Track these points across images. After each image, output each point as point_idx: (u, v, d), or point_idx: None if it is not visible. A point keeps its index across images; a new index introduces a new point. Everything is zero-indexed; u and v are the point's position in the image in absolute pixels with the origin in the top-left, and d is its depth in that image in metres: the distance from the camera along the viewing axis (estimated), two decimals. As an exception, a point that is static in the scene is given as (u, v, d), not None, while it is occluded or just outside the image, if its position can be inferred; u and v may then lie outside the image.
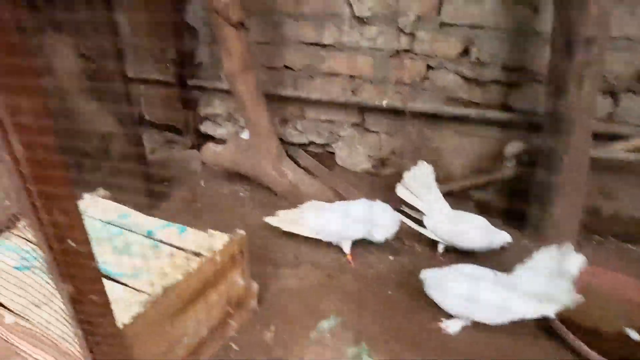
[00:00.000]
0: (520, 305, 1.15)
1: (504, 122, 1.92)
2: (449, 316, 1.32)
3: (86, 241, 0.57)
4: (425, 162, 1.79)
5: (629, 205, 1.85)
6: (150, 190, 1.99)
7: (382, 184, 2.37)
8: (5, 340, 0.93)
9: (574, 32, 1.23)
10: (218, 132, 2.90)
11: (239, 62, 1.73)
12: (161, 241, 1.13)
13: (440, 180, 2.10)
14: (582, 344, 1.13)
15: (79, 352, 0.73)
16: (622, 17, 1.60)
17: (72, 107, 1.45)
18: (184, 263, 1.02)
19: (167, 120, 3.02)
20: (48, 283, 0.91)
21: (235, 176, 2.31)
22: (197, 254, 1.07)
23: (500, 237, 1.58)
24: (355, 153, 2.47)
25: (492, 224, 1.64)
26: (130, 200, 1.60)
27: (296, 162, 2.46)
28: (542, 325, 1.26)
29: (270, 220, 1.80)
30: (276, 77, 2.48)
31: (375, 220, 1.64)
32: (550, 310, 1.14)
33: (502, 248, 1.63)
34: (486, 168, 2.06)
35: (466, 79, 1.99)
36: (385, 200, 1.76)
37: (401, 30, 2.02)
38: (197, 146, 2.77)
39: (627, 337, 1.22)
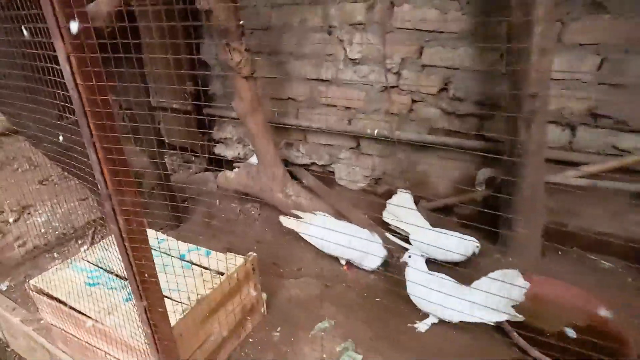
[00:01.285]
0: (473, 312, 1.44)
1: (479, 149, 2.21)
2: (423, 317, 1.62)
3: (155, 275, 0.90)
4: (403, 190, 2.09)
5: (591, 222, 2.11)
6: (174, 212, 2.33)
7: (376, 200, 2.67)
8: (86, 342, 1.26)
9: (520, 89, 1.52)
10: (230, 153, 3.25)
11: (249, 105, 2.06)
12: (192, 262, 1.46)
13: (427, 198, 2.42)
14: (525, 341, 1.41)
15: (144, 346, 1.06)
16: (572, 62, 1.89)
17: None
18: (210, 280, 1.35)
19: (184, 144, 3.37)
20: (113, 297, 1.25)
21: (246, 196, 2.64)
22: (220, 273, 1.39)
23: (470, 245, 1.86)
24: (352, 173, 2.78)
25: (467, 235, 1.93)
26: (158, 221, 1.94)
27: (300, 181, 2.79)
28: (497, 325, 1.56)
29: (284, 221, 2.12)
30: (282, 107, 2.81)
31: (368, 249, 1.91)
32: (493, 319, 1.43)
33: (475, 255, 1.91)
34: (466, 188, 2.35)
35: (446, 112, 2.28)
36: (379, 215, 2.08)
37: (388, 70, 2.32)
38: (212, 166, 3.12)
39: (566, 335, 1.51)
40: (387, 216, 2.07)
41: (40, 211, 2.55)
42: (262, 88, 2.80)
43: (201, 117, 3.06)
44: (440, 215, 2.41)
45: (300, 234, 2.10)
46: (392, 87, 2.36)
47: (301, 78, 2.65)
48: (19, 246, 2.20)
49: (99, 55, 0.66)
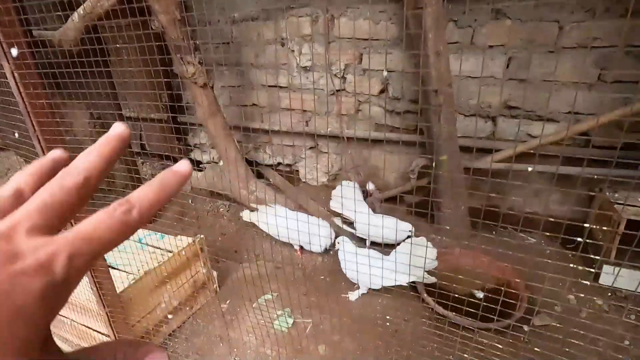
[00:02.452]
0: (391, 277, 1.68)
1: (416, 142, 2.46)
2: (355, 289, 1.86)
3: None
4: (348, 181, 2.34)
5: (519, 202, 2.35)
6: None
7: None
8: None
9: (426, 86, 1.78)
10: (204, 157, 3.51)
11: (207, 110, 2.33)
12: (146, 244, 1.71)
13: (381, 189, 2.66)
14: (431, 300, 1.64)
15: (96, 307, 1.30)
16: (487, 62, 2.15)
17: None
18: (160, 257, 1.59)
19: (163, 150, 3.64)
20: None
21: (216, 195, 2.89)
22: (169, 252, 1.64)
23: (405, 228, 2.10)
24: (314, 170, 3.03)
25: (403, 219, 2.16)
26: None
27: (268, 180, 3.05)
28: (414, 289, 1.79)
29: (244, 215, 2.34)
30: (247, 113, 3.08)
31: (315, 233, 2.16)
32: (406, 280, 1.67)
33: (411, 236, 2.14)
34: (409, 178, 2.60)
35: (387, 110, 2.54)
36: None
37: (335, 75, 2.59)
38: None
39: (474, 296, 1.74)
40: (332, 205, 2.32)
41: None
42: (229, 96, 3.08)
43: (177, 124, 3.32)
44: (392, 204, 2.66)
45: (258, 225, 2.34)
46: (339, 90, 2.63)
47: (262, 85, 2.92)
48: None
49: (34, 71, 0.93)
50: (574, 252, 2.04)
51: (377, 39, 2.38)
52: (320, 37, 2.54)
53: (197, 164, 3.48)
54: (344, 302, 1.83)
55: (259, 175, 3.10)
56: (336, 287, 1.93)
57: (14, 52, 0.89)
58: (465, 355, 1.32)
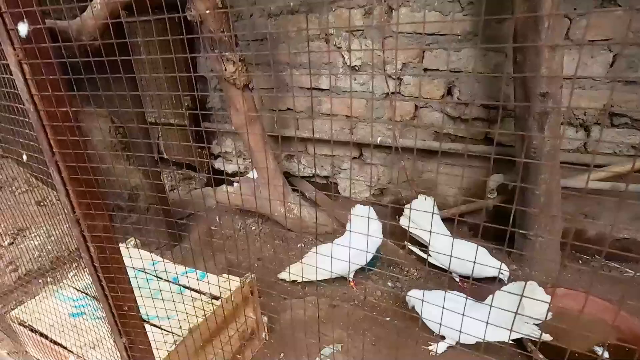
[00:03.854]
0: (489, 331, 1.31)
1: (488, 154, 2.10)
2: (437, 339, 1.50)
3: (135, 307, 0.80)
4: (425, 195, 1.97)
5: (609, 227, 1.98)
6: (172, 230, 2.24)
7: (381, 211, 2.56)
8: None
9: (530, 88, 1.42)
10: (229, 167, 3.17)
11: (245, 117, 1.98)
12: (185, 286, 1.36)
13: (437, 206, 2.30)
14: (541, 355, 1.28)
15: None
16: (585, 61, 1.79)
17: (108, 167, 1.72)
18: (205, 306, 1.24)
19: (184, 159, 3.31)
20: (98, 328, 1.15)
21: (247, 211, 2.55)
22: (215, 297, 1.29)
23: (493, 265, 1.71)
24: (355, 183, 2.68)
25: (487, 249, 1.78)
26: (155, 240, 1.85)
27: (302, 194, 2.70)
28: (518, 345, 1.42)
29: (284, 276, 1.91)
30: (281, 118, 2.73)
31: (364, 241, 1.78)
32: (510, 337, 1.30)
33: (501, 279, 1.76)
34: (476, 195, 2.23)
35: (451, 116, 2.19)
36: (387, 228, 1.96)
37: (389, 76, 2.24)
38: (212, 181, 3.04)
39: (597, 355, 1.37)
40: (404, 222, 1.94)
41: (35, 234, 2.47)
42: (261, 100, 2.73)
43: (199, 129, 2.99)
44: (450, 224, 2.30)
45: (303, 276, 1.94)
46: (394, 93, 2.28)
47: (299, 88, 2.58)
48: (11, 271, 2.11)
49: (54, 61, 0.58)
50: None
51: (445, 34, 2.03)
52: (374, 32, 2.19)
53: (218, 174, 3.14)
54: (426, 357, 1.46)
55: (292, 189, 2.75)
56: (411, 335, 1.57)
57: (23, 29, 0.54)
58: None
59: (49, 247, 2.31)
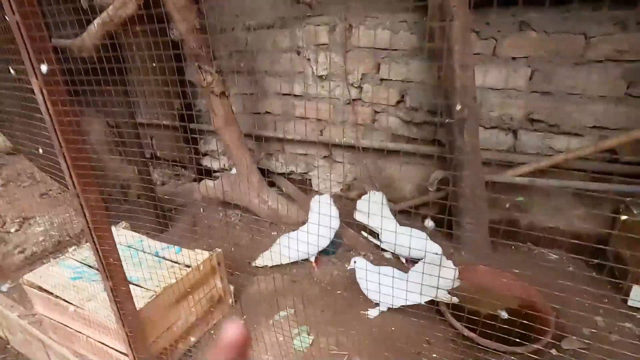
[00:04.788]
0: (411, 295, 1.63)
1: (432, 154, 2.42)
2: (374, 306, 1.81)
3: (118, 259, 1.11)
4: (374, 191, 2.28)
5: (540, 217, 2.30)
6: (160, 219, 2.56)
7: (349, 204, 2.88)
8: (71, 328, 1.47)
9: (450, 99, 1.74)
10: (215, 165, 3.48)
11: (222, 120, 2.30)
12: (164, 258, 1.67)
13: (395, 200, 2.61)
14: (456, 321, 1.59)
15: (115, 326, 1.26)
16: (510, 74, 2.10)
17: (103, 163, 2.04)
18: (178, 272, 1.55)
19: (174, 157, 3.63)
20: (92, 287, 1.46)
21: (228, 204, 2.86)
22: (187, 266, 1.60)
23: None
24: (326, 179, 2.99)
25: (428, 235, 2.09)
26: (145, 227, 2.16)
27: (280, 189, 3.01)
28: (436, 309, 1.74)
29: (258, 262, 2.20)
30: (260, 121, 3.05)
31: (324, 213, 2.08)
32: (425, 299, 1.62)
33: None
34: (427, 190, 2.55)
35: (404, 120, 2.50)
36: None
37: (351, 85, 2.56)
38: (199, 178, 3.35)
39: (498, 316, 1.68)
40: (357, 216, 2.27)
41: (39, 222, 2.79)
42: (242, 104, 3.05)
43: (188, 131, 3.30)
44: (406, 215, 2.61)
45: (272, 260, 2.23)
46: (356, 99, 2.59)
47: (276, 94, 2.89)
48: (18, 252, 2.42)
49: (64, 88, 0.90)
50: (596, 272, 1.98)
51: (396, 49, 2.34)
52: (337, 46, 2.51)
53: (209, 174, 3.46)
54: (363, 320, 1.78)
55: (271, 184, 3.06)
56: (355, 305, 1.88)
57: (44, 68, 0.86)
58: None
59: (52, 232, 2.62)
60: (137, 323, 1.28)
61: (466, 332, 1.57)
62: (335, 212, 2.23)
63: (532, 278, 1.82)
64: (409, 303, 1.66)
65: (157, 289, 1.44)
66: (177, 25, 1.89)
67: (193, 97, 3.38)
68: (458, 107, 1.70)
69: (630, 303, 1.74)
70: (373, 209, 2.25)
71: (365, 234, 2.36)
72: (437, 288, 1.63)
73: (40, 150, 1.01)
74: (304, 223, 2.68)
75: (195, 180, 3.37)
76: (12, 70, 1.00)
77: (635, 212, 1.83)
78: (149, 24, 2.10)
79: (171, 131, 3.42)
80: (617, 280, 1.85)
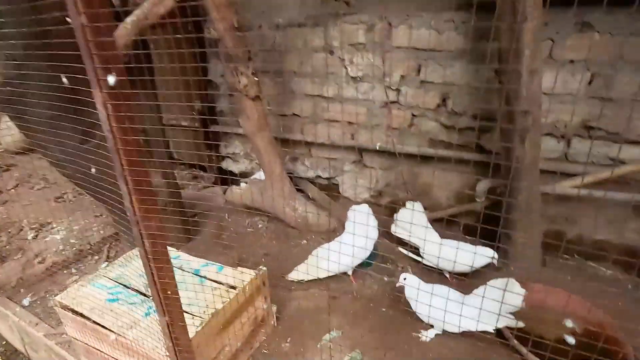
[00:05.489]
0: (472, 321, 1.51)
1: (478, 161, 2.29)
2: (427, 327, 1.69)
3: (176, 292, 0.99)
4: (413, 201, 2.15)
5: (589, 230, 2.17)
6: (185, 227, 2.43)
7: (380, 211, 2.76)
8: (109, 355, 1.35)
9: (513, 107, 1.60)
10: (237, 167, 3.35)
11: (256, 124, 2.17)
12: (205, 277, 1.55)
13: (429, 208, 2.48)
14: (523, 347, 1.47)
15: (164, 359, 1.14)
16: (565, 78, 1.97)
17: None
18: (224, 295, 1.43)
19: (193, 160, 3.49)
20: (132, 311, 1.34)
21: (253, 210, 2.73)
22: (233, 287, 1.47)
23: (484, 255, 1.89)
24: (356, 185, 2.86)
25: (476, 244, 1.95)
26: (173, 236, 2.03)
27: (305, 194, 2.88)
28: (498, 334, 1.62)
29: (293, 276, 2.07)
30: (287, 123, 2.91)
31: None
32: (493, 326, 1.50)
33: (490, 265, 1.93)
34: (467, 198, 2.42)
35: (445, 125, 2.37)
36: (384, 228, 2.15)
37: (388, 87, 2.42)
38: (220, 180, 3.22)
39: (565, 341, 1.56)
40: (395, 230, 2.14)
41: (57, 228, 2.66)
42: (268, 105, 2.91)
43: (208, 131, 3.17)
44: (443, 225, 2.48)
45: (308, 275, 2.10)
46: (392, 102, 2.46)
47: (305, 95, 2.75)
48: (38, 263, 2.30)
49: (132, 103, 0.76)
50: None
51: (440, 50, 2.20)
52: (374, 46, 2.37)
53: (228, 176, 3.32)
54: (416, 343, 1.65)
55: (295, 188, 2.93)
56: (404, 323, 1.76)
57: (112, 80, 0.72)
58: None
59: (72, 240, 2.50)
60: (189, 356, 1.16)
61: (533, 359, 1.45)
62: (373, 222, 2.11)
63: (592, 297, 1.70)
64: (468, 327, 1.54)
65: (205, 316, 1.32)
66: (215, 23, 1.75)
67: (214, 98, 3.24)
68: (521, 115, 1.57)
69: None
70: (413, 221, 2.13)
71: (404, 251, 2.21)
72: (499, 315, 1.50)
73: (93, 170, 0.89)
74: (333, 231, 2.56)
75: (215, 182, 3.24)
76: (64, 79, 0.88)
77: None
78: (183, 24, 1.95)
79: (191, 133, 3.29)
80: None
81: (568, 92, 1.98)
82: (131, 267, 1.59)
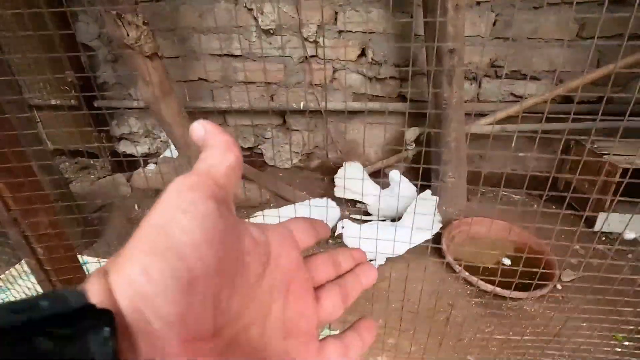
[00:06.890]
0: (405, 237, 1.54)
1: (402, 111, 2.30)
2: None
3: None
4: (351, 162, 2.08)
5: (499, 164, 2.40)
6: (84, 227, 1.96)
7: (311, 175, 2.64)
8: None
9: (440, 46, 1.58)
10: (138, 149, 2.84)
11: (159, 89, 1.78)
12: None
13: (362, 164, 2.45)
14: (473, 276, 1.55)
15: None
16: (474, 20, 2.04)
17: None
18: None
19: (76, 146, 2.83)
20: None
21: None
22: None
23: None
24: (282, 151, 2.67)
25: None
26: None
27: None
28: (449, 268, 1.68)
29: None
30: (193, 90, 2.52)
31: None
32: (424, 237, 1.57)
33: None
34: (396, 150, 2.45)
35: (367, 77, 2.30)
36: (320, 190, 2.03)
37: (305, 39, 2.23)
38: (118, 167, 2.70)
39: (502, 264, 1.70)
40: (338, 192, 2.05)
41: None
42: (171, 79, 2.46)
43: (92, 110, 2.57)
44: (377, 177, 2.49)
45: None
46: (312, 56, 2.29)
47: (210, 55, 2.39)
48: None
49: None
50: (555, 207, 2.16)
51: (356, -5, 2.08)
52: (286, -8, 2.12)
53: (130, 162, 2.79)
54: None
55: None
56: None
57: None
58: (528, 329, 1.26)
59: None
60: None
61: (481, 283, 1.54)
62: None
63: (512, 220, 1.89)
64: (407, 248, 1.58)
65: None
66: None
67: (93, 66, 2.62)
68: (449, 53, 1.56)
69: (596, 229, 1.93)
70: (352, 181, 2.06)
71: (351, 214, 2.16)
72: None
73: None
74: (267, 203, 2.37)
75: (114, 170, 2.70)
76: None
77: (586, 145, 2.00)
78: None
79: (69, 114, 2.63)
80: (578, 213, 2.04)
81: (477, 34, 2.07)
82: (17, 290, 1.18)
